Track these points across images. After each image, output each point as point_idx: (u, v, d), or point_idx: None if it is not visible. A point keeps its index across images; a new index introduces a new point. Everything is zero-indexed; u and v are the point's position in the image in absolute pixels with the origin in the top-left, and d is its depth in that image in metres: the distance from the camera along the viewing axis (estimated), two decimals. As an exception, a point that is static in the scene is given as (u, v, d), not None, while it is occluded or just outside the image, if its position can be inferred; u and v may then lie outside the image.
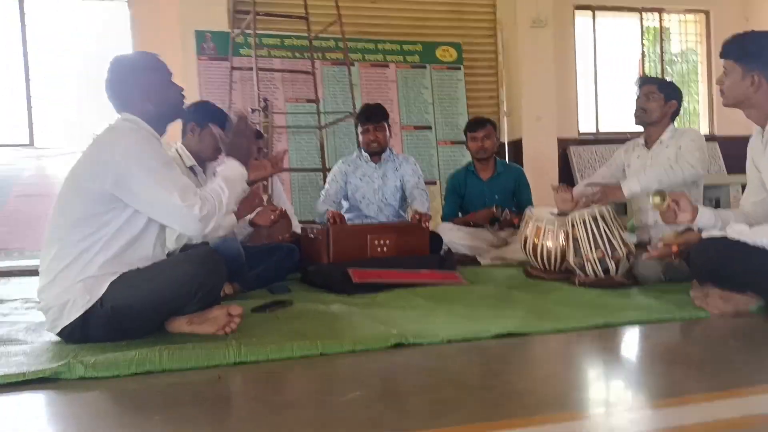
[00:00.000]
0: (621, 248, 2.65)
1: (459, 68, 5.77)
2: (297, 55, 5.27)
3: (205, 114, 2.85)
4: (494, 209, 3.76)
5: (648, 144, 3.14)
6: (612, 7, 6.49)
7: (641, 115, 3.10)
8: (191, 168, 2.80)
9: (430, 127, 5.61)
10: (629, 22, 6.62)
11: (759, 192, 2.30)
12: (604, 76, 6.52)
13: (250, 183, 2.09)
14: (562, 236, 2.84)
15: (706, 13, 6.69)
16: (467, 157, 4.26)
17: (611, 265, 2.64)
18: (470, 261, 3.60)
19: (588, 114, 6.46)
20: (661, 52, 6.70)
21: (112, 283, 1.83)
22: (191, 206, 1.85)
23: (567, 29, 6.25)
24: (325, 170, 4.82)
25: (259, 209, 2.73)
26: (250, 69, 4.64)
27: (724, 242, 2.06)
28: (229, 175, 1.99)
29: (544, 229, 2.91)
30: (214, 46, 5.09)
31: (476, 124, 3.97)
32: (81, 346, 1.79)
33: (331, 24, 4.80)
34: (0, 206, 4.75)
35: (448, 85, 5.72)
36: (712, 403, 1.29)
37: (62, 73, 5.33)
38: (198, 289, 1.89)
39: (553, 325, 1.95)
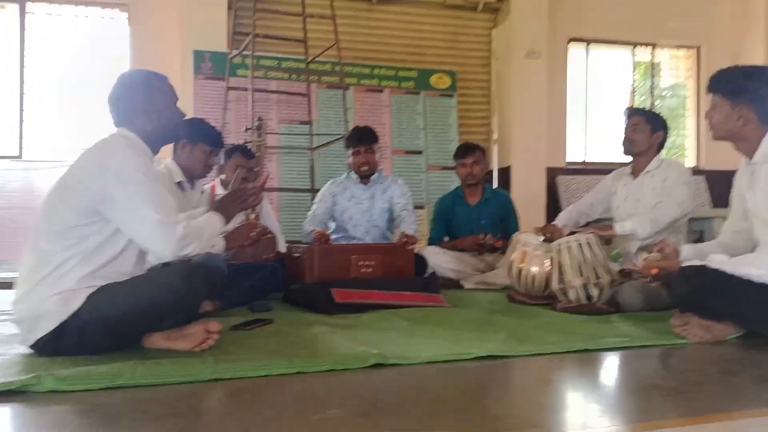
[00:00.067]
0: (605, 275, 2.67)
1: (452, 95, 5.84)
2: (293, 77, 5.32)
3: (199, 131, 2.87)
4: (481, 237, 3.77)
5: (635, 173, 3.19)
6: (606, 40, 6.60)
7: (628, 145, 3.16)
8: (179, 183, 2.80)
9: (421, 152, 5.65)
10: (622, 55, 6.73)
11: (740, 222, 2.34)
12: (594, 107, 6.60)
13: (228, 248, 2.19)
14: (547, 262, 2.86)
15: (697, 49, 6.81)
16: (456, 183, 4.28)
17: (594, 292, 2.66)
18: (454, 285, 3.60)
19: (577, 144, 6.53)
20: (652, 85, 6.81)
21: (89, 296, 1.81)
22: (175, 224, 1.85)
23: (560, 61, 6.34)
24: (314, 191, 4.84)
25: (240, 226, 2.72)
26: (246, 89, 4.68)
27: (704, 271, 2.07)
28: (212, 221, 2.03)
29: (531, 254, 2.93)
30: (212, 66, 5.13)
31: (466, 150, 4.00)
32: (53, 360, 1.76)
33: (328, 48, 4.86)
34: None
35: (440, 111, 5.78)
36: (687, 428, 1.29)
37: (56, 85, 5.34)
38: (178, 304, 1.88)
39: (533, 348, 1.95)
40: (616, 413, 1.44)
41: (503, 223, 4.00)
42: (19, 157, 5.19)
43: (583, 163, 6.50)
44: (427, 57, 5.98)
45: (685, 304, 2.17)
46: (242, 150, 3.48)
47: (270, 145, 4.82)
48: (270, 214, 3.74)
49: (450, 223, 4.05)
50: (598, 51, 6.62)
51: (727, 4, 6.69)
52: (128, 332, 1.88)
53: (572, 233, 2.92)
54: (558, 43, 6.26)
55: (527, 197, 5.54)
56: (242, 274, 2.85)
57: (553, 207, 5.81)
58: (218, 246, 2.21)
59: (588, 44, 6.56)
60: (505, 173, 5.92)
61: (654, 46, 6.76)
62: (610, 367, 1.92)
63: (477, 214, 3.97)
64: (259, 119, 3.92)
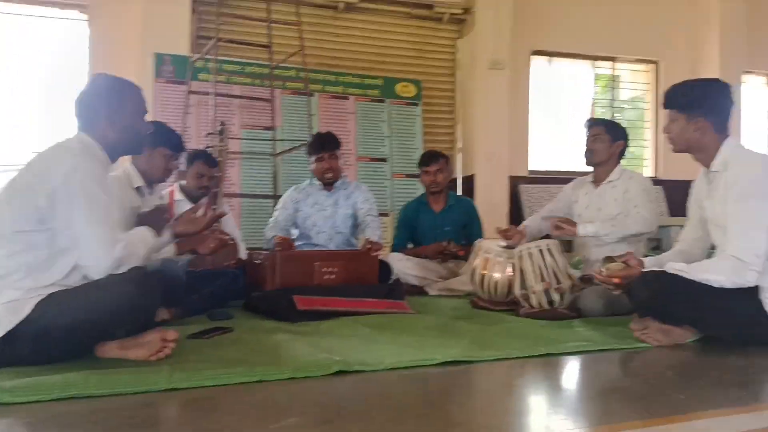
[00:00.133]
0: (565, 281, 2.70)
1: (417, 104, 5.87)
2: (257, 82, 5.26)
3: (159, 135, 2.79)
4: (444, 244, 3.78)
5: (596, 182, 3.24)
6: (567, 54, 6.75)
7: (590, 155, 3.21)
8: (138, 188, 2.72)
9: (385, 160, 5.66)
10: (583, 68, 6.88)
11: (698, 230, 2.40)
12: (557, 118, 6.72)
13: (179, 234, 2.14)
14: (509, 268, 2.88)
15: (656, 64, 7.02)
16: (421, 190, 4.29)
17: (556, 297, 2.68)
18: (418, 291, 3.59)
19: (539, 153, 6.64)
20: (612, 98, 6.98)
21: (38, 303, 1.75)
22: (115, 242, 1.81)
23: (523, 72, 6.44)
24: (276, 197, 4.78)
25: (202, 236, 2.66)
26: (208, 94, 4.60)
27: (664, 277, 2.12)
28: (146, 240, 1.99)
29: (493, 260, 2.94)
30: (173, 69, 5.04)
31: (429, 158, 4.01)
32: (0, 370, 1.68)
33: (293, 54, 4.83)
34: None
35: (405, 119, 5.80)
36: (648, 429, 1.30)
37: (10, 88, 5.16)
38: (131, 311, 1.83)
39: (496, 354, 1.95)
40: (579, 417, 1.45)
41: (467, 229, 4.02)
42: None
43: (546, 171, 6.61)
44: (393, 66, 6.01)
45: (644, 309, 2.21)
46: (205, 157, 3.42)
47: (232, 151, 4.75)
48: (231, 220, 3.68)
49: (414, 229, 4.05)
50: (561, 63, 6.76)
51: (684, 20, 6.91)
52: (81, 340, 1.82)
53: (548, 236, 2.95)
54: (521, 56, 6.37)
55: (491, 205, 5.60)
56: (202, 281, 2.78)
57: (516, 214, 5.89)
58: (169, 252, 2.15)
59: (550, 57, 6.69)
60: (469, 181, 5.97)
61: (614, 59, 6.94)
62: (572, 371, 1.94)
63: (441, 220, 3.98)
64: (222, 124, 3.87)
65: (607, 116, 6.74)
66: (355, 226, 3.74)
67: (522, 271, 2.77)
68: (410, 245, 4.06)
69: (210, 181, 3.36)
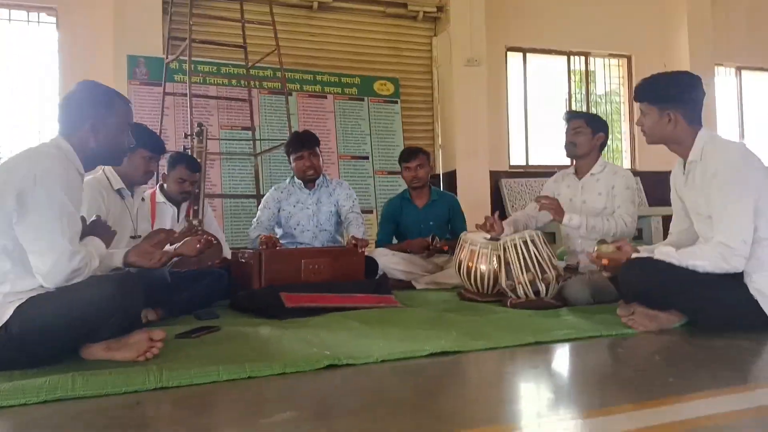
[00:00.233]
0: (551, 271, 2.72)
1: (396, 102, 5.87)
2: (233, 82, 5.22)
3: (138, 137, 2.74)
4: (429, 239, 3.78)
5: (579, 174, 3.25)
6: (541, 50, 6.81)
7: (572, 148, 3.22)
8: (119, 191, 2.68)
9: (367, 157, 5.65)
10: (558, 63, 6.95)
11: (684, 221, 2.42)
12: (534, 113, 6.78)
13: (129, 264, 2.10)
14: (495, 260, 2.89)
15: (628, 58, 7.14)
16: (403, 187, 4.29)
17: (542, 287, 2.70)
18: (405, 286, 3.59)
19: (518, 148, 6.70)
20: (587, 92, 7.06)
21: (18, 307, 1.71)
22: (74, 254, 1.77)
23: (499, 69, 6.50)
24: (259, 197, 4.75)
25: (187, 239, 2.62)
26: (184, 95, 4.55)
27: (651, 262, 2.14)
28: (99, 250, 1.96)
29: (478, 252, 2.95)
30: (147, 72, 4.97)
31: (409, 154, 4.01)
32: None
33: (268, 54, 4.79)
34: None
35: (385, 117, 5.80)
36: (638, 412, 1.32)
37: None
38: (114, 312, 1.79)
39: (485, 343, 1.95)
40: (570, 403, 1.46)
41: (450, 224, 4.04)
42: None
43: (526, 166, 6.66)
44: (370, 64, 6.00)
45: (631, 294, 2.23)
46: (187, 162, 3.35)
47: (211, 151, 4.71)
48: (213, 220, 3.64)
49: (398, 225, 4.06)
50: (536, 59, 6.82)
51: (655, 15, 7.04)
52: (64, 342, 1.78)
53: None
54: (496, 52, 6.42)
55: (473, 200, 5.62)
56: (187, 282, 2.75)
57: (498, 208, 5.91)
58: (116, 260, 2.10)
59: (525, 53, 6.74)
60: (450, 177, 5.99)
61: (587, 55, 7.02)
62: (561, 358, 1.95)
63: (424, 215, 3.99)
64: (200, 125, 3.83)
65: (583, 110, 6.82)
66: (339, 223, 3.73)
67: (507, 263, 2.78)
68: (394, 241, 4.06)
69: (192, 186, 3.32)
